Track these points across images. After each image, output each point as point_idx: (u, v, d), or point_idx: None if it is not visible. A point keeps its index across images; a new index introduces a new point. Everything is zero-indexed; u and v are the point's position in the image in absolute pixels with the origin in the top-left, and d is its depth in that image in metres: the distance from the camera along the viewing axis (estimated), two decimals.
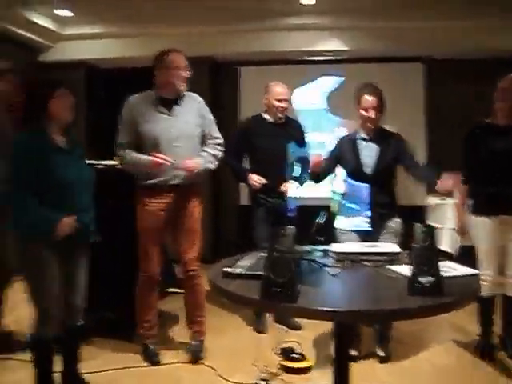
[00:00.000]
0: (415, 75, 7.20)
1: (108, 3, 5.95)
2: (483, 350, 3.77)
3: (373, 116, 3.60)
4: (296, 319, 4.32)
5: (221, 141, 3.82)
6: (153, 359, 3.78)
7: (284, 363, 3.61)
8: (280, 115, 4.35)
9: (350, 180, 3.66)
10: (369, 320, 2.40)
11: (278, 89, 4.36)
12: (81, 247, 3.08)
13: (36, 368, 2.97)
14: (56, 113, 2.86)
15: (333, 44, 6.83)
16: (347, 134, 3.94)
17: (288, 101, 4.39)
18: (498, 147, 3.52)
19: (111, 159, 4.36)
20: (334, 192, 3.74)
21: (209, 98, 6.75)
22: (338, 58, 7.14)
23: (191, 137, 3.69)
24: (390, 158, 3.65)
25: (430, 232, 1.98)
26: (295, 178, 4.01)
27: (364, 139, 3.69)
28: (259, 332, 4.32)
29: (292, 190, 4.00)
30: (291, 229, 1.85)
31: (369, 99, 3.61)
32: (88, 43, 7.03)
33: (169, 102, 3.67)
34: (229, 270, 2.18)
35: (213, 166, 3.77)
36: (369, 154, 3.65)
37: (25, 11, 6.09)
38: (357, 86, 3.76)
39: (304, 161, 3.84)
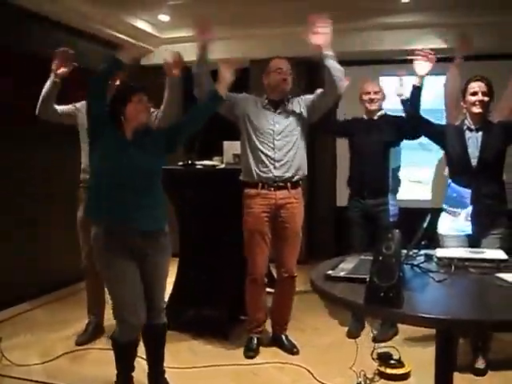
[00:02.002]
0: None
1: (203, 6, 6.06)
2: None
3: (481, 98, 3.47)
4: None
5: None
6: (250, 354, 3.90)
7: (381, 369, 3.55)
8: (373, 107, 4.29)
9: (453, 185, 3.55)
10: (477, 330, 2.31)
11: (367, 83, 4.35)
12: (154, 241, 3.02)
13: (116, 369, 3.07)
14: (130, 115, 2.98)
15: (434, 42, 6.63)
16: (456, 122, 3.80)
17: (378, 92, 4.32)
18: None
19: (211, 159, 4.48)
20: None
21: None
22: (440, 56, 6.93)
23: (292, 133, 3.82)
24: (498, 144, 3.49)
25: None
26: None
27: (470, 129, 3.55)
28: (353, 336, 4.24)
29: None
30: (397, 233, 1.82)
31: (476, 84, 3.52)
32: (185, 46, 7.19)
33: (275, 104, 3.86)
34: (332, 272, 2.17)
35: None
36: (475, 144, 3.50)
37: (128, 17, 6.33)
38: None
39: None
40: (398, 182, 4.49)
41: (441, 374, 2.26)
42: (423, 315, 1.73)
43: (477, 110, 3.48)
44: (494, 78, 6.50)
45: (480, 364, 3.57)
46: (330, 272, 2.16)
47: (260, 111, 3.84)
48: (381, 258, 1.79)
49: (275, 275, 4.13)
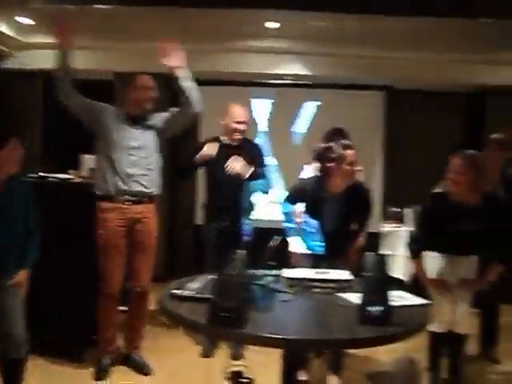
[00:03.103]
0: (376, 103, 7.29)
1: (68, 13, 5.87)
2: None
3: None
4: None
5: None
6: (100, 375, 3.73)
7: None
8: (237, 137, 4.32)
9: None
10: (317, 348, 2.37)
11: (237, 111, 4.35)
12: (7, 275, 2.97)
13: None
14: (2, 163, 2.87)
15: (295, 68, 6.87)
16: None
17: (247, 123, 4.37)
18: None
19: (67, 173, 4.30)
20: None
21: None
22: (299, 82, 7.21)
23: (149, 149, 3.82)
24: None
25: (381, 261, 1.98)
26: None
27: None
28: (206, 356, 4.20)
29: (239, 167, 4.01)
30: (241, 253, 1.83)
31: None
32: (48, 53, 6.90)
33: (134, 119, 3.80)
34: (177, 292, 2.14)
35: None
36: None
37: None
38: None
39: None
40: (251, 204, 4.52)
41: None
42: (265, 335, 1.75)
43: None
44: (350, 107, 6.92)
45: (332, 379, 3.68)
46: (175, 291, 2.12)
47: (119, 125, 3.75)
48: (224, 278, 1.78)
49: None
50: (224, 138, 4.34)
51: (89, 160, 4.35)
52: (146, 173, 3.75)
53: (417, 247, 3.51)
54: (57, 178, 4.10)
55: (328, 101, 7.23)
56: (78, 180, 4.20)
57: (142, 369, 3.86)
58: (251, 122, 4.42)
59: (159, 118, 3.88)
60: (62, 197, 3.97)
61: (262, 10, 5.51)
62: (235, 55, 6.84)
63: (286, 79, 7.16)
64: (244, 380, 3.58)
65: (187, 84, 3.71)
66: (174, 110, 3.86)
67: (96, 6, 5.44)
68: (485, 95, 7.05)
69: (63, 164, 4.48)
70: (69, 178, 4.15)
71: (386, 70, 6.78)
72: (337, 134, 4.22)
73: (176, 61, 3.64)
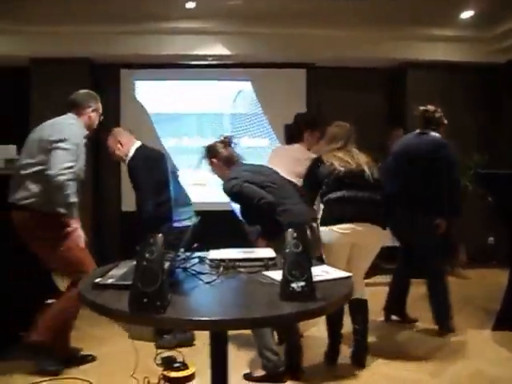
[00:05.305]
0: (298, 81, 7.35)
1: None
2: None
3: None
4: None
5: None
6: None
7: (166, 373, 3.54)
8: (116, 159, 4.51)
9: None
10: (239, 328, 2.38)
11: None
12: None
13: None
14: None
15: (217, 49, 6.84)
16: None
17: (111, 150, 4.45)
18: None
19: None
20: None
21: None
22: (222, 62, 7.18)
23: None
24: None
25: (302, 237, 2.00)
26: None
27: None
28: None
29: None
30: (159, 237, 1.80)
31: None
32: None
33: None
34: (99, 280, 2.09)
35: None
36: None
37: None
38: None
39: None
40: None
41: (216, 373, 2.29)
42: (185, 318, 1.74)
43: None
44: (272, 86, 6.95)
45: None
46: (97, 280, 2.07)
47: None
48: (143, 263, 1.75)
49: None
50: None
51: (5, 150, 4.22)
52: None
53: None
54: None
55: (252, 80, 7.26)
56: None
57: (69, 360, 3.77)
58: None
59: None
60: None
61: None
62: (157, 37, 6.75)
63: (209, 60, 7.13)
64: (177, 364, 3.60)
65: None
66: None
67: None
68: (405, 69, 7.25)
69: None
70: None
71: (301, 46, 6.85)
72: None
73: None
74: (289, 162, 4.33)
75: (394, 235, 4.62)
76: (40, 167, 3.54)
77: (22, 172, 3.59)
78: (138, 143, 4.37)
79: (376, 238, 3.79)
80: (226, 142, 3.79)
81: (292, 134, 4.74)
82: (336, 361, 3.86)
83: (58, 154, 3.48)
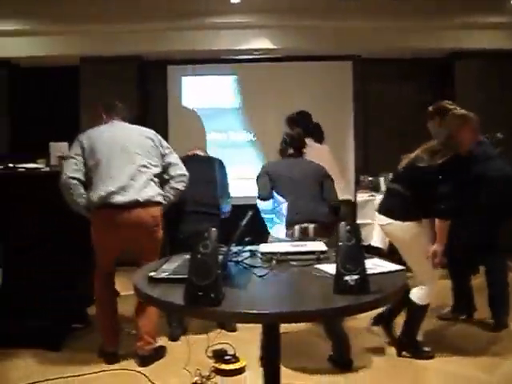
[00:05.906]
0: (344, 73, 7.28)
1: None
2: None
3: None
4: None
5: None
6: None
7: (217, 365, 3.57)
8: None
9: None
10: (294, 321, 2.38)
11: None
12: None
13: None
14: None
15: (261, 43, 6.84)
16: None
17: None
18: None
19: (35, 162, 4.25)
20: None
21: (137, 97, 6.67)
22: (267, 56, 7.17)
23: None
24: None
25: (355, 230, 1.98)
26: None
27: None
28: (173, 340, 4.20)
29: None
30: (214, 231, 1.81)
31: None
32: (11, 40, 6.76)
33: None
34: (153, 274, 2.12)
35: None
36: None
37: None
38: None
39: None
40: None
41: (268, 366, 2.30)
42: (241, 311, 1.75)
43: None
44: (319, 79, 6.89)
45: None
46: (152, 274, 2.10)
47: None
48: (198, 256, 1.77)
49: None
50: None
51: (57, 148, 4.30)
52: None
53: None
54: (25, 168, 4.04)
55: (297, 73, 7.21)
56: (46, 169, 4.15)
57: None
58: None
59: None
60: (30, 186, 3.92)
61: None
62: (202, 33, 6.79)
63: (255, 54, 7.13)
64: (228, 357, 3.63)
65: None
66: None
67: None
68: (453, 59, 7.10)
69: (34, 153, 4.42)
70: (37, 168, 4.10)
71: (352, 39, 6.79)
72: (301, 117, 4.29)
73: None
74: None
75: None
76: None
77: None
78: None
79: None
80: None
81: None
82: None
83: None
